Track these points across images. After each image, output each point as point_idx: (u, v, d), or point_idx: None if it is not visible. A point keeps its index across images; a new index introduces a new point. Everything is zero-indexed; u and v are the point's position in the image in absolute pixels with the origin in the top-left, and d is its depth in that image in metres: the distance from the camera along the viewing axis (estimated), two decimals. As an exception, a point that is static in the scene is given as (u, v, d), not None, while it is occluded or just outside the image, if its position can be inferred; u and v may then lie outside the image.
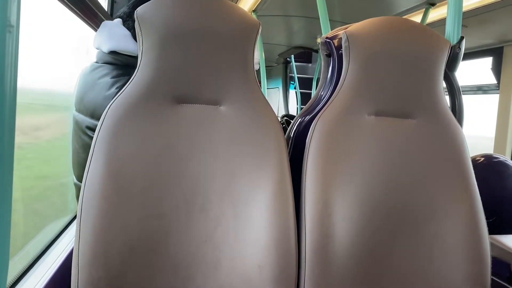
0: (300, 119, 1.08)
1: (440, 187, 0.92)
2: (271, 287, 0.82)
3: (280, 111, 5.72)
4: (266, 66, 4.19)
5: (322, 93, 1.08)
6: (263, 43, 3.62)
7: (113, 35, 1.02)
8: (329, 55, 1.08)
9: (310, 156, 0.89)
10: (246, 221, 0.84)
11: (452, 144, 0.94)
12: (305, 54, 5.60)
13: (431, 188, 0.92)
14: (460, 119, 1.05)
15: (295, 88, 5.42)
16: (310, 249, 0.85)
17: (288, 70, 5.59)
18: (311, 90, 5.27)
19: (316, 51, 4.38)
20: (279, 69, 5.72)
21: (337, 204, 0.87)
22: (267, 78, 4.02)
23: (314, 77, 5.05)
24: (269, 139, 0.87)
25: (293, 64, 5.21)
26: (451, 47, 1.00)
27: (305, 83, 5.38)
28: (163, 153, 0.83)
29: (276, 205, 0.84)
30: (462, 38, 1.02)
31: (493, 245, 0.95)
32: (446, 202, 0.92)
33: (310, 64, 5.89)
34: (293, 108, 5.68)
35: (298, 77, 5.32)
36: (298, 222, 0.87)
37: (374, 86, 0.93)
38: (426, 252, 0.90)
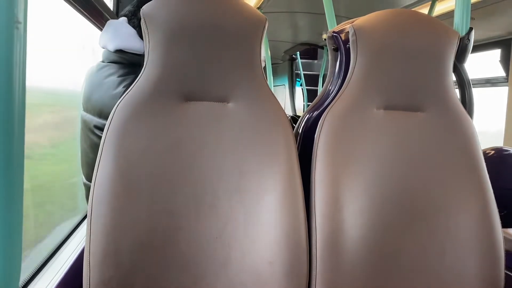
0: (308, 115, 1.08)
1: (451, 180, 0.91)
2: (282, 282, 0.82)
3: (286, 109, 5.70)
4: (272, 64, 4.17)
5: (330, 88, 1.08)
6: (268, 40, 3.60)
7: (119, 34, 1.01)
8: (336, 49, 1.07)
9: (319, 151, 0.88)
10: (256, 217, 0.83)
11: (463, 136, 0.93)
12: (311, 51, 5.58)
13: (442, 181, 0.91)
14: (470, 111, 1.03)
15: (301, 85, 5.40)
16: (320, 244, 0.84)
17: (294, 67, 5.58)
18: (317, 86, 5.25)
19: (322, 48, 4.36)
20: (285, 66, 5.70)
21: (347, 199, 0.86)
22: (273, 76, 4.00)
23: (320, 73, 5.03)
24: (277, 135, 0.87)
25: (299, 61, 5.19)
26: (460, 39, 0.98)
27: (312, 80, 5.36)
28: (172, 151, 0.83)
29: (286, 201, 0.84)
30: (471, 29, 1.01)
31: (505, 239, 0.94)
32: (458, 196, 0.91)
33: (316, 61, 5.87)
34: (300, 105, 5.66)
35: (304, 74, 5.30)
36: (308, 217, 0.87)
37: (383, 79, 0.92)
38: (438, 245, 0.89)
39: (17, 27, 0.42)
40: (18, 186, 0.46)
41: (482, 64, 2.81)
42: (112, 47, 1.01)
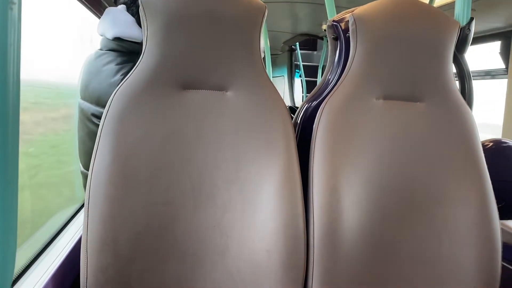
0: (306, 105, 1.07)
1: (450, 171, 0.91)
2: (279, 272, 0.82)
3: (285, 100, 5.63)
4: (271, 55, 4.13)
5: (329, 77, 1.07)
6: (267, 30, 3.58)
7: (117, 21, 1.01)
8: (336, 39, 1.06)
9: (318, 141, 0.88)
10: (254, 207, 0.83)
11: (462, 127, 0.93)
12: (310, 42, 5.54)
13: (441, 172, 0.91)
14: (469, 102, 1.03)
15: (300, 76, 5.37)
16: (318, 234, 0.84)
17: (293, 58, 5.54)
18: (316, 78, 5.23)
19: (322, 38, 4.34)
20: (284, 57, 5.66)
21: (345, 189, 0.86)
22: (272, 67, 3.97)
23: (319, 64, 5.01)
24: (276, 124, 0.86)
25: (298, 52, 5.17)
26: (461, 29, 0.98)
27: (311, 71, 5.33)
28: (170, 140, 0.82)
29: (284, 190, 0.84)
30: (472, 19, 1.00)
31: (503, 231, 0.94)
32: (456, 187, 0.91)
33: (315, 52, 5.83)
34: (299, 96, 5.64)
35: (303, 65, 5.27)
36: (306, 207, 0.86)
37: (382, 69, 0.92)
38: (436, 237, 0.89)
39: (11, 7, 0.40)
40: (13, 182, 0.46)
41: (482, 56, 2.80)
42: (110, 34, 1.01)
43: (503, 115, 2.57)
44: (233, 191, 0.83)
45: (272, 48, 4.93)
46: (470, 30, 1.00)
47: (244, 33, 0.87)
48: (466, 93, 1.04)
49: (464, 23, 1.01)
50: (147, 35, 0.84)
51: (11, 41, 0.41)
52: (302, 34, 4.34)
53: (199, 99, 0.86)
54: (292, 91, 5.63)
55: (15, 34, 0.41)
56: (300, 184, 0.86)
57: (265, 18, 0.88)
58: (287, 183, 0.84)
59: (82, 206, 1.20)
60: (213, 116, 0.86)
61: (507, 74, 2.56)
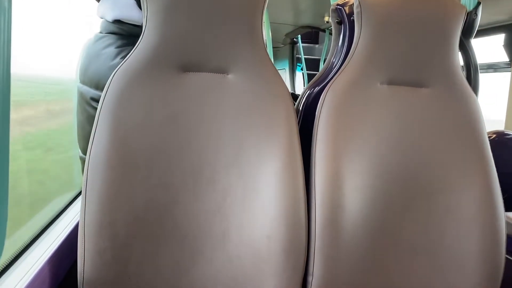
0: (309, 91, 1.06)
1: (454, 158, 0.90)
2: (280, 258, 0.81)
3: None
4: (272, 47, 4.11)
5: (332, 61, 1.06)
6: (270, 22, 3.55)
7: (117, 4, 0.99)
8: (340, 23, 1.05)
9: (321, 126, 0.87)
10: (254, 192, 0.82)
11: (467, 114, 0.92)
12: (312, 35, 5.51)
13: (445, 159, 0.90)
14: (475, 89, 1.02)
15: (302, 69, 5.35)
16: (320, 220, 0.83)
17: (294, 51, 5.52)
18: (318, 71, 5.18)
19: (324, 31, 4.31)
20: (286, 50, 5.64)
21: (348, 176, 0.85)
22: (273, 60, 3.95)
23: (321, 58, 4.99)
24: (278, 108, 0.85)
25: (300, 45, 5.14)
26: (467, 13, 0.96)
27: (312, 64, 5.30)
28: (169, 123, 0.81)
29: (285, 176, 0.83)
30: (479, 3, 0.98)
31: (506, 223, 0.93)
32: (461, 174, 0.89)
33: (317, 45, 5.80)
34: (300, 90, 5.62)
35: (305, 58, 5.25)
36: (308, 193, 0.85)
37: (387, 53, 0.90)
38: (438, 225, 0.88)
39: None
40: (3, 179, 0.44)
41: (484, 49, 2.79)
42: (110, 17, 0.99)
43: (506, 108, 2.55)
44: (233, 175, 0.82)
45: (273, 41, 4.90)
46: (477, 15, 0.98)
47: (245, 15, 0.85)
48: (472, 78, 1.02)
49: (471, 8, 0.99)
50: (146, 16, 0.83)
51: (1, 31, 0.38)
52: (304, 27, 4.32)
53: (199, 81, 0.85)
54: (294, 84, 5.62)
55: (5, 24, 0.38)
56: (302, 170, 0.85)
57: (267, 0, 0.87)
58: (289, 168, 0.83)
59: (80, 193, 1.19)
60: (213, 99, 0.84)
61: (510, 67, 2.54)
